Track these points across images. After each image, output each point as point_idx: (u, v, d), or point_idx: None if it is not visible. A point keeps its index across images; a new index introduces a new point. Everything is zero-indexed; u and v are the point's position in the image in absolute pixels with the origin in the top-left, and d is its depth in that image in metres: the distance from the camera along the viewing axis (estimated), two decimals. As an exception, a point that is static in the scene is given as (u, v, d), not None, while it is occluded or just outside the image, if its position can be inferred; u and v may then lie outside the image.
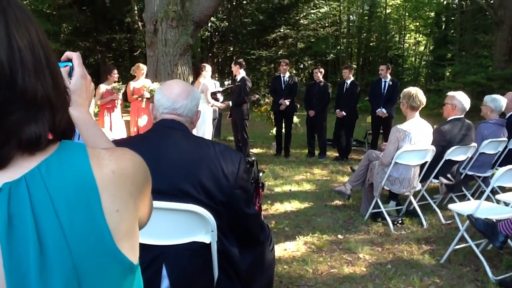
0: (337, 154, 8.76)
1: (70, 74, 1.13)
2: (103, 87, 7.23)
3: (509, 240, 3.59)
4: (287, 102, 8.20)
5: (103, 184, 0.75)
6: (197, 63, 8.92)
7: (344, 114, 8.18)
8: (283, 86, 8.35)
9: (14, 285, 0.67)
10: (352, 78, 8.40)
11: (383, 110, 7.77)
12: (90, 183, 0.74)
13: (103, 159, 0.78)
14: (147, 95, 7.40)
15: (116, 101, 7.31)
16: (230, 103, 7.82)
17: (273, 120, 8.95)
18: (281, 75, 8.47)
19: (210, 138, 7.48)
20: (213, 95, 7.50)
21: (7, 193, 0.68)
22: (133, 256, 0.79)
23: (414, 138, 4.33)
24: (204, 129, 7.39)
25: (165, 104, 1.94)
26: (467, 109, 4.72)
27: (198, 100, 2.02)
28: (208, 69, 7.66)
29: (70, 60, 1.13)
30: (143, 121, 7.55)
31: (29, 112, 0.72)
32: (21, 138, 0.71)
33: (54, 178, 0.72)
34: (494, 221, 3.29)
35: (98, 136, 1.15)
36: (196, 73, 7.47)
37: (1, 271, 0.67)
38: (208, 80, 7.59)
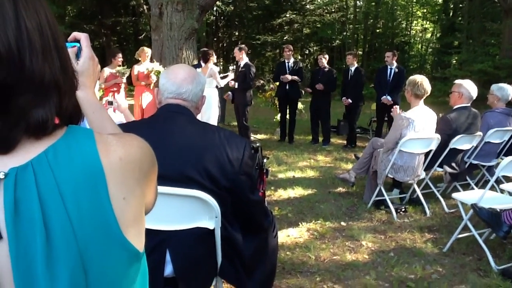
0: (341, 141, 8.82)
1: (77, 55, 1.11)
2: (107, 71, 7.21)
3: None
4: (289, 76, 8.15)
5: (110, 170, 0.74)
6: (202, 47, 8.86)
7: (350, 101, 8.15)
8: (287, 71, 8.30)
9: (21, 271, 0.66)
10: (356, 65, 8.35)
11: (388, 97, 7.72)
12: (97, 170, 0.73)
13: (110, 145, 0.77)
14: (154, 78, 7.38)
15: (120, 84, 7.30)
16: (236, 84, 7.75)
17: (277, 106, 8.93)
18: (286, 61, 8.42)
19: (216, 123, 7.49)
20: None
21: (14, 178, 0.68)
22: (139, 244, 0.79)
23: (418, 126, 4.30)
24: (210, 114, 7.41)
25: (170, 89, 1.93)
26: (474, 97, 4.69)
27: (203, 85, 2.01)
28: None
29: (77, 40, 1.11)
30: (147, 105, 7.54)
31: (36, 95, 0.71)
32: (28, 122, 0.70)
33: (61, 164, 0.71)
34: (498, 210, 3.28)
35: (104, 118, 1.14)
36: (205, 59, 7.45)
37: (8, 257, 0.66)
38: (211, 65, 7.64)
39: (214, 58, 7.51)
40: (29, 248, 0.67)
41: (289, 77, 8.14)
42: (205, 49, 8.05)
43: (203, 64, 7.59)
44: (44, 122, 0.71)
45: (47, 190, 0.68)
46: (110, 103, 3.74)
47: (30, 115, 0.70)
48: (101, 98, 7.14)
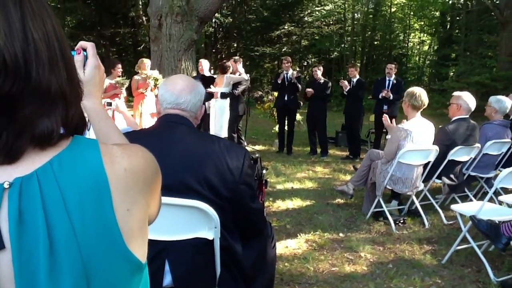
0: (339, 152, 8.85)
1: (84, 64, 1.12)
2: (106, 81, 7.23)
3: (511, 242, 3.59)
4: (294, 73, 8.20)
5: (115, 182, 0.74)
6: (201, 58, 8.90)
7: (346, 83, 8.17)
8: (286, 83, 8.32)
9: (24, 281, 0.66)
10: (358, 76, 8.37)
11: (385, 106, 7.73)
12: (102, 181, 0.73)
13: (115, 156, 0.77)
14: (152, 83, 7.42)
15: (119, 95, 7.32)
16: (235, 91, 7.73)
17: (275, 117, 8.94)
18: (284, 72, 8.44)
19: (226, 132, 7.55)
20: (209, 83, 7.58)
21: (18, 188, 0.68)
22: (142, 255, 0.79)
23: (416, 137, 4.32)
24: (222, 123, 7.48)
25: (168, 99, 1.94)
26: (473, 109, 4.71)
27: (202, 95, 2.02)
28: (205, 64, 7.93)
29: (84, 49, 1.12)
30: (145, 115, 7.56)
31: (42, 105, 0.71)
32: (33, 132, 0.70)
33: (66, 174, 0.71)
34: (497, 222, 3.28)
35: (110, 128, 1.14)
36: (223, 71, 7.51)
37: (10, 267, 0.66)
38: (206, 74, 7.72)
39: (231, 71, 7.64)
40: (32, 258, 0.66)
41: (294, 73, 8.18)
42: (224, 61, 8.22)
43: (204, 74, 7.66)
44: (50, 133, 0.71)
45: (52, 201, 0.69)
46: (109, 104, 3.75)
47: (36, 125, 0.70)
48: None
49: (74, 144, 0.76)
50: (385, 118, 4.68)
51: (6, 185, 0.68)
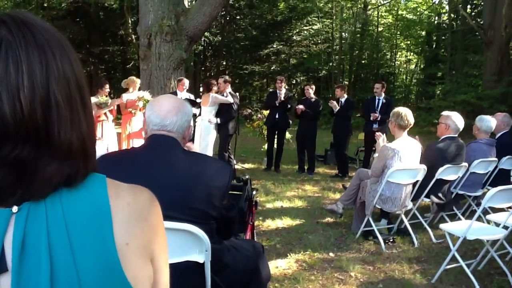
0: (328, 171, 8.87)
1: None
2: (93, 99, 7.21)
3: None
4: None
5: (118, 215, 0.75)
6: (189, 77, 8.89)
7: (335, 103, 8.25)
8: (277, 102, 8.34)
9: None
10: (346, 96, 8.43)
11: (375, 125, 7.78)
12: (104, 211, 0.74)
13: (121, 190, 0.79)
14: (141, 104, 7.42)
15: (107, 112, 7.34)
16: (218, 120, 7.68)
17: (265, 136, 8.95)
18: (277, 91, 8.47)
19: (211, 151, 7.57)
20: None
21: (26, 213, 0.69)
22: None
23: (403, 157, 4.37)
24: (208, 141, 7.46)
25: (154, 121, 1.93)
26: (461, 129, 4.77)
27: (189, 115, 2.01)
28: (186, 83, 7.86)
29: None
30: (134, 132, 7.54)
31: (62, 165, 0.72)
32: (50, 188, 0.71)
33: (71, 203, 0.72)
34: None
35: None
36: (208, 89, 7.50)
37: None
38: (184, 94, 7.65)
39: (215, 88, 7.60)
40: (31, 283, 0.66)
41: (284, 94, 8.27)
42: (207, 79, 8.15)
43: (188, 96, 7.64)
44: (68, 182, 0.73)
45: (56, 228, 0.69)
46: None
47: (54, 183, 0.71)
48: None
49: None
50: (378, 135, 4.72)
51: (14, 210, 0.69)
